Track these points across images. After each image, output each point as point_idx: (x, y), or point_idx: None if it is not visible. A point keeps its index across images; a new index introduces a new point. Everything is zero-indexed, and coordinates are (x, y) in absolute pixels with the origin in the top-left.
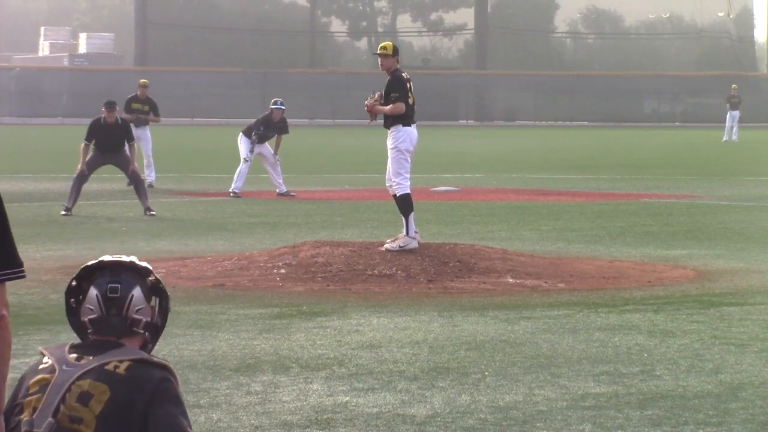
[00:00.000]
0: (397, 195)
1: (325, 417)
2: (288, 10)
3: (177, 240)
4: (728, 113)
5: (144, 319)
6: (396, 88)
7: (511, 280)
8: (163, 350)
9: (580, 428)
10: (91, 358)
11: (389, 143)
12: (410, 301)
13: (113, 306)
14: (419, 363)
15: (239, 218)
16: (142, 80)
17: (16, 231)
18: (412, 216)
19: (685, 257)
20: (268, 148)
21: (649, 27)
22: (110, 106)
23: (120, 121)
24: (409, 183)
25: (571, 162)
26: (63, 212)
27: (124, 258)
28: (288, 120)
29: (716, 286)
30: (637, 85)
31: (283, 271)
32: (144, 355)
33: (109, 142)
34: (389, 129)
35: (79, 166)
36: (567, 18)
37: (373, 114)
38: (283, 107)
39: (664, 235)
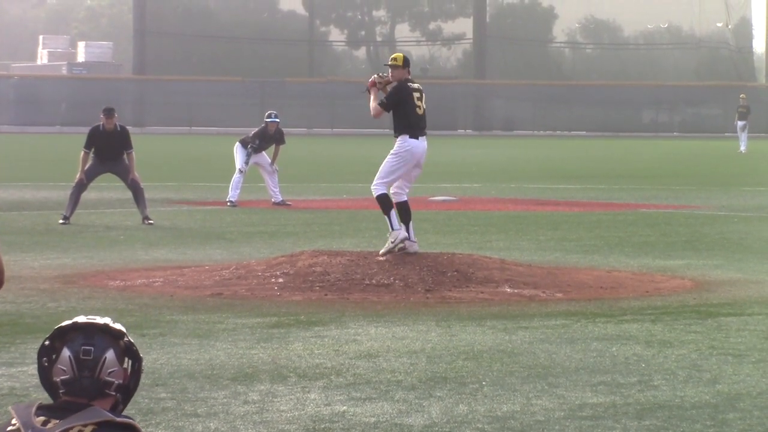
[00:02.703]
0: (375, 196)
1: (322, 426)
2: (286, 19)
3: (175, 249)
4: (738, 124)
5: (116, 382)
6: (390, 95)
7: (508, 289)
8: (161, 359)
9: None
10: (57, 421)
11: (392, 149)
12: (408, 311)
13: (86, 368)
14: (417, 372)
15: (237, 227)
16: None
17: (14, 239)
18: (393, 212)
19: (683, 267)
20: (265, 157)
21: (648, 37)
22: (109, 112)
23: (119, 128)
24: (386, 187)
25: (570, 172)
26: (61, 221)
27: (98, 320)
28: (286, 129)
29: (714, 297)
30: (636, 95)
31: (281, 280)
32: (108, 416)
33: (109, 149)
34: (396, 137)
35: (78, 175)
36: (566, 28)
37: (369, 90)
38: (278, 120)
39: (662, 245)
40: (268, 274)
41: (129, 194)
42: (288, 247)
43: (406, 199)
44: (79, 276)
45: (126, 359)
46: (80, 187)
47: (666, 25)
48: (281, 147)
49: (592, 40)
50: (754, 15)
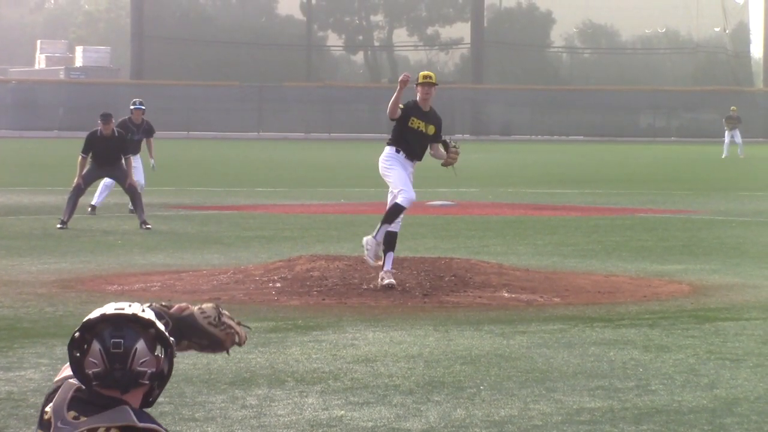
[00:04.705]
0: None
1: (320, 431)
2: (284, 24)
3: (172, 253)
4: (726, 132)
5: (149, 371)
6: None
7: (506, 294)
8: None
9: None
10: (86, 418)
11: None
12: (406, 315)
13: (116, 360)
14: (414, 377)
15: (235, 232)
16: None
17: (11, 244)
18: (387, 227)
19: (680, 272)
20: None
21: (645, 42)
22: (106, 118)
23: (116, 134)
24: (406, 197)
25: (567, 177)
26: (59, 225)
27: (127, 310)
28: (284, 134)
29: (711, 301)
30: (633, 100)
31: (278, 284)
32: (132, 421)
33: (106, 154)
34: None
35: (76, 179)
36: (563, 33)
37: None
38: (143, 107)
39: (660, 250)
40: (265, 278)
41: (126, 199)
42: (286, 252)
43: (396, 230)
44: (77, 280)
45: (158, 347)
46: (78, 191)
47: (663, 30)
48: (152, 139)
49: (590, 44)
50: (752, 20)
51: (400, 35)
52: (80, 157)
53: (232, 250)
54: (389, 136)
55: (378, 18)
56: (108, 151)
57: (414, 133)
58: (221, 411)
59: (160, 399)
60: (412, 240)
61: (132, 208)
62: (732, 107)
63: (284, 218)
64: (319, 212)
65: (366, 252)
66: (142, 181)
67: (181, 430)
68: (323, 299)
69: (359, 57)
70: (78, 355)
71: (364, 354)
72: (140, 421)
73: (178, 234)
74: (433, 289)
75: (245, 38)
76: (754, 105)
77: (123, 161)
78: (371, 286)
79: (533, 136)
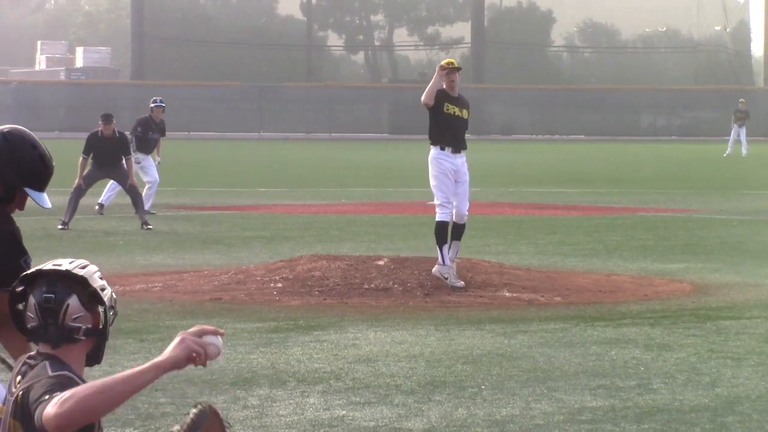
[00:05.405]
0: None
1: (321, 431)
2: (284, 24)
3: (173, 254)
4: (733, 128)
5: (83, 326)
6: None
7: (507, 293)
8: None
9: None
10: (21, 380)
11: (466, 167)
12: (407, 315)
13: (49, 315)
14: (416, 377)
15: (236, 232)
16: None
17: None
18: (444, 246)
19: (681, 271)
20: (151, 162)
21: (646, 41)
22: (107, 119)
23: (117, 134)
24: (445, 211)
25: (568, 176)
26: (60, 226)
27: (63, 266)
28: (285, 134)
29: (713, 300)
30: (634, 99)
31: (279, 285)
32: (45, 374)
33: (107, 155)
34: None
35: (77, 180)
36: (563, 32)
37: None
38: (164, 104)
39: (661, 249)
40: (267, 278)
41: (127, 199)
42: (287, 252)
43: (447, 219)
44: None
45: (96, 304)
46: (78, 192)
47: (664, 29)
48: (161, 139)
49: (590, 44)
50: (752, 18)
51: (401, 35)
52: (81, 158)
53: (233, 251)
54: (427, 136)
55: (378, 18)
56: (108, 152)
57: (451, 119)
58: (223, 411)
59: (162, 399)
60: (414, 239)
61: (144, 209)
62: (741, 99)
63: (285, 218)
64: (320, 212)
65: (446, 280)
66: (157, 177)
67: None
68: (324, 299)
69: (360, 57)
70: (20, 308)
71: (366, 354)
72: (53, 371)
73: (180, 234)
74: (435, 288)
75: (245, 39)
76: (755, 104)
77: (124, 162)
78: (372, 286)
79: (534, 136)
